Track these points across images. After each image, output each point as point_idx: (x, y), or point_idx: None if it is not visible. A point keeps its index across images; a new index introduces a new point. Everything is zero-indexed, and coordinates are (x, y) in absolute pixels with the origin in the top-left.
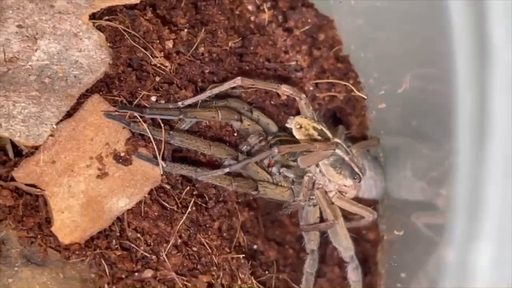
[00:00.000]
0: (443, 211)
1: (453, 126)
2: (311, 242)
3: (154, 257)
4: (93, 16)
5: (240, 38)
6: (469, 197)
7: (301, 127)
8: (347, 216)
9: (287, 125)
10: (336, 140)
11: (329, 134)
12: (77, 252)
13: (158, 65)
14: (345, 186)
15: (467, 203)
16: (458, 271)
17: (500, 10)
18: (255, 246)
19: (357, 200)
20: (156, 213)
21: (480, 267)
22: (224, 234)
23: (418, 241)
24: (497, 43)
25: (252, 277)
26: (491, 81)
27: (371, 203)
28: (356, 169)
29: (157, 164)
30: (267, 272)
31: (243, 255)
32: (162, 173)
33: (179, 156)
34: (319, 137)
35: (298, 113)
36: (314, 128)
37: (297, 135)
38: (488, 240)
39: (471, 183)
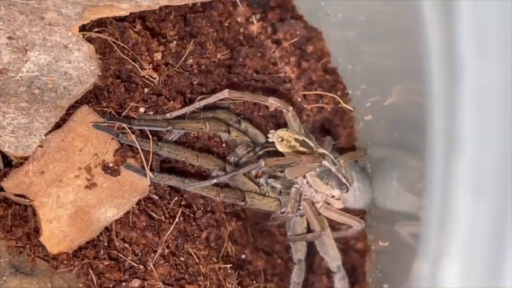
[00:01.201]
0: (422, 223)
1: (428, 139)
2: (298, 252)
3: (141, 267)
4: (83, 28)
5: (229, 50)
6: (440, 211)
7: (282, 139)
8: (335, 226)
9: (269, 139)
10: (323, 151)
11: (312, 144)
12: (65, 262)
13: (147, 76)
14: (333, 196)
15: (438, 217)
16: (431, 283)
17: (469, 31)
18: (243, 256)
19: (345, 210)
20: (144, 223)
21: (448, 283)
22: (212, 244)
23: (401, 253)
24: (467, 61)
25: (239, 287)
26: (461, 97)
27: (359, 213)
28: (343, 180)
29: (145, 175)
30: (254, 281)
31: (231, 265)
32: (150, 183)
33: (167, 167)
34: (301, 148)
35: (285, 124)
36: (296, 140)
37: (280, 148)
38: (456, 256)
39: (442, 198)
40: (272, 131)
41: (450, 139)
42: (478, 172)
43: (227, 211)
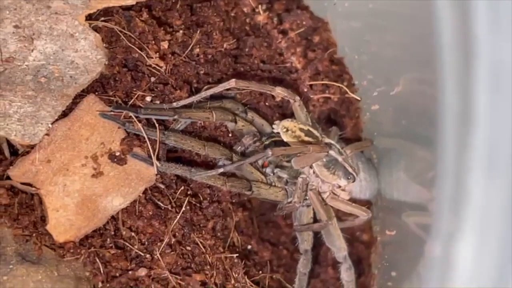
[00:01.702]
0: (432, 211)
1: (439, 127)
2: (305, 242)
3: (148, 255)
4: (89, 17)
5: (235, 40)
6: (453, 192)
7: (287, 130)
8: (341, 217)
9: (273, 130)
10: (329, 140)
11: (318, 134)
12: (71, 251)
13: (153, 65)
14: (339, 186)
15: (451, 199)
16: (442, 265)
17: (484, 17)
18: (249, 246)
19: (351, 200)
20: (150, 212)
21: (462, 260)
22: (218, 234)
23: (409, 241)
24: (482, 43)
25: (246, 277)
26: (476, 78)
27: (365, 204)
28: (350, 169)
29: (152, 164)
30: (260, 272)
31: (237, 255)
32: (156, 172)
33: (174, 156)
34: (306, 138)
35: (292, 114)
36: (301, 130)
37: (285, 138)
38: (470, 235)
39: (455, 179)
40: (277, 121)
41: (463, 121)
42: (492, 153)
43: (233, 201)
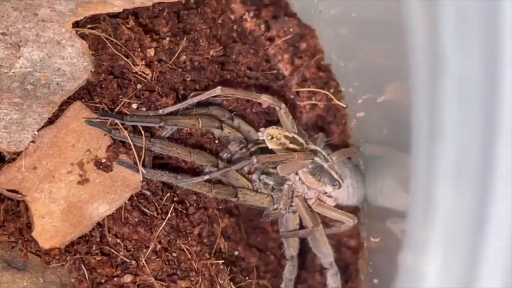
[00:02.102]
0: (408, 215)
1: (413, 137)
2: (291, 248)
3: (133, 262)
4: (76, 24)
5: (222, 47)
6: (423, 204)
7: (272, 137)
8: (328, 223)
9: (259, 137)
10: (315, 147)
11: (303, 141)
12: (57, 257)
13: (140, 72)
14: (325, 193)
15: (421, 209)
16: (413, 275)
17: (451, 26)
18: (236, 252)
19: (338, 207)
20: (136, 219)
21: (429, 271)
22: (205, 240)
23: (392, 248)
24: (449, 55)
25: (232, 283)
26: (443, 90)
27: (352, 210)
28: (336, 176)
29: (138, 171)
30: (247, 278)
31: (223, 261)
32: (142, 179)
33: (160, 163)
34: (292, 145)
35: (278, 121)
36: (286, 137)
37: (270, 145)
38: (437, 248)
39: (425, 191)
40: (262, 129)
41: (432, 132)
42: (459, 163)
43: (220, 207)
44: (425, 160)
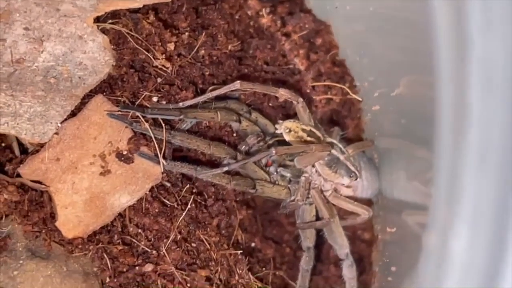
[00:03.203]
0: (430, 206)
1: (436, 127)
2: (307, 239)
3: (154, 252)
4: (97, 20)
5: (240, 42)
6: (448, 184)
7: (290, 130)
8: (343, 215)
9: (276, 130)
10: (331, 140)
11: (319, 134)
12: (80, 246)
13: (160, 66)
14: (342, 184)
15: (446, 190)
16: (438, 257)
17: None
18: (252, 244)
19: (352, 199)
20: (156, 210)
21: (456, 250)
22: (223, 232)
23: (409, 237)
24: (474, 38)
25: (250, 273)
26: (469, 75)
27: (366, 203)
28: (352, 168)
29: (158, 163)
30: (264, 268)
31: (241, 252)
32: (162, 171)
33: (179, 155)
34: (309, 138)
35: (295, 115)
36: (303, 130)
37: (288, 138)
38: (464, 226)
39: (450, 172)
40: (279, 122)
41: (458, 117)
42: (485, 147)
43: (238, 199)
44: (451, 141)
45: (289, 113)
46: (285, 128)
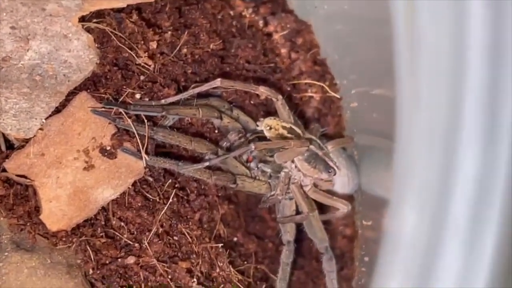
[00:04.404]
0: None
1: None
2: (287, 233)
3: (136, 244)
4: (82, 19)
5: (222, 41)
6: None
7: (270, 128)
8: (324, 211)
9: (257, 127)
10: (310, 136)
11: (299, 131)
12: (64, 239)
13: (143, 64)
14: (321, 179)
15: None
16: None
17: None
18: (235, 239)
19: (332, 194)
20: (139, 204)
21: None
22: (205, 226)
23: (380, 228)
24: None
25: (231, 266)
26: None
27: (347, 199)
28: (331, 163)
29: (141, 158)
30: (245, 262)
31: (222, 245)
32: (145, 166)
33: (162, 151)
34: (289, 135)
35: (276, 112)
36: (284, 127)
37: (268, 135)
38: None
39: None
40: (261, 119)
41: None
42: (431, 126)
43: (220, 194)
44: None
45: (270, 111)
46: (266, 126)
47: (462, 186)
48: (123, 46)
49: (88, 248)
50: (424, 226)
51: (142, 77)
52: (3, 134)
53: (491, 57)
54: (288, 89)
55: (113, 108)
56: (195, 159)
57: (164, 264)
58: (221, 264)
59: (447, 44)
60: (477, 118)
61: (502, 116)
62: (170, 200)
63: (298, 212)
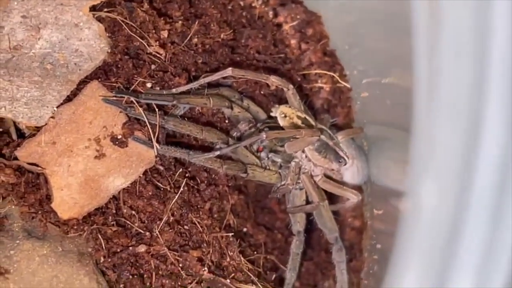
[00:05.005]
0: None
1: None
2: (298, 223)
3: (147, 233)
4: (93, 8)
5: (232, 31)
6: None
7: (285, 116)
8: (333, 201)
9: (271, 114)
10: (321, 126)
11: (313, 122)
12: (75, 227)
13: (154, 53)
14: (332, 169)
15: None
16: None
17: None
18: (244, 229)
19: (342, 185)
20: (150, 193)
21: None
22: (215, 215)
23: (392, 216)
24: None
25: (241, 255)
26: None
27: (356, 189)
28: (341, 153)
29: (152, 147)
30: (255, 252)
31: (232, 234)
32: (156, 155)
33: (173, 141)
34: (303, 125)
35: (286, 102)
36: (298, 117)
37: (282, 123)
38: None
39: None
40: (276, 105)
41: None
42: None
43: (230, 185)
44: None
45: (280, 101)
46: (281, 113)
47: (484, 172)
48: (134, 35)
49: (99, 236)
50: (444, 212)
51: (153, 66)
52: (15, 123)
53: None
54: (298, 79)
55: (124, 97)
56: (206, 148)
57: (175, 252)
58: (232, 253)
59: (471, 26)
60: (502, 102)
61: None
62: (181, 189)
63: (308, 202)
